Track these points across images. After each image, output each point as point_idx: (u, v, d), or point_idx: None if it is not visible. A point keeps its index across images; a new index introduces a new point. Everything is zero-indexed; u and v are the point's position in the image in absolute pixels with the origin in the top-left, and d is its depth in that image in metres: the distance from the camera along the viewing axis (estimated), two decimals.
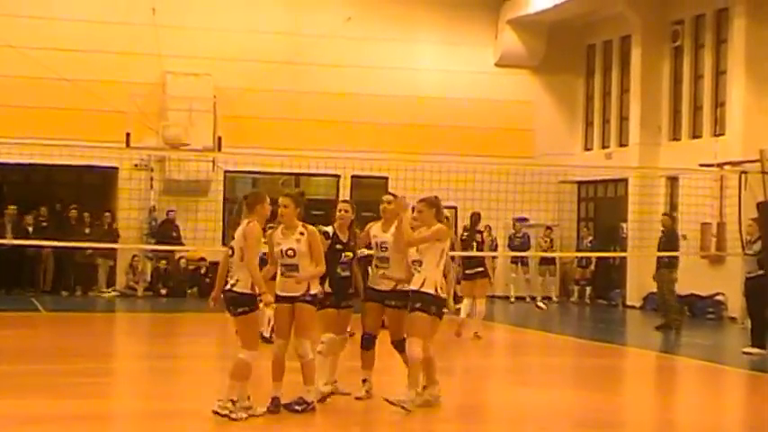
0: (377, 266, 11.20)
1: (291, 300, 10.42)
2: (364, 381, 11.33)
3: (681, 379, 15.75)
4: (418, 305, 10.55)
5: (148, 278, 26.07)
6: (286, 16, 27.47)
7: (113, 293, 25.61)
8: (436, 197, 11.08)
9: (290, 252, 10.37)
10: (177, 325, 21.25)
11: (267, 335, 14.42)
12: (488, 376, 15.01)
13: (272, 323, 14.00)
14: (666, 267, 20.55)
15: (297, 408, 10.40)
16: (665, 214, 21.97)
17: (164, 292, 25.75)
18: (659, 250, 20.71)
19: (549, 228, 27.79)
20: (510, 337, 19.14)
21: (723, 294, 23.57)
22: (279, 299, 10.46)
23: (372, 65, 27.79)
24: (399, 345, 11.02)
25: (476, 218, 18.72)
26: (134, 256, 25.99)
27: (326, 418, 10.54)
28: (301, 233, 10.40)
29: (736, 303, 22.77)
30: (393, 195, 11.30)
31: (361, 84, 27.56)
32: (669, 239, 20.64)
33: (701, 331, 21.19)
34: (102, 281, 25.80)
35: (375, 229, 11.24)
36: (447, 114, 28.01)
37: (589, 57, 29.42)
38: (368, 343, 11.21)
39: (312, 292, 10.48)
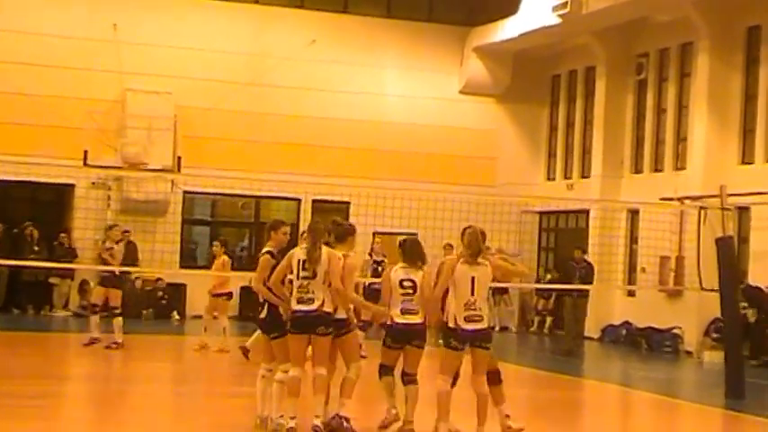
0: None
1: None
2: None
3: (636, 412, 15.69)
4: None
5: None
6: (250, 37, 27.27)
7: (66, 313, 25.21)
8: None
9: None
10: (130, 347, 20.88)
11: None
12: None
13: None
14: (582, 297, 22.09)
15: None
16: (578, 248, 22.88)
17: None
18: (580, 281, 21.80)
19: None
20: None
21: (680, 328, 23.55)
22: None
23: (336, 89, 27.64)
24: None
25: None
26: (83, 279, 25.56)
27: None
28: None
29: (692, 337, 22.82)
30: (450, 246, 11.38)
31: (324, 107, 27.40)
32: (587, 272, 22.00)
33: (658, 364, 21.27)
34: (58, 301, 25.37)
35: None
36: (410, 140, 27.92)
37: (554, 87, 29.44)
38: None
39: None
